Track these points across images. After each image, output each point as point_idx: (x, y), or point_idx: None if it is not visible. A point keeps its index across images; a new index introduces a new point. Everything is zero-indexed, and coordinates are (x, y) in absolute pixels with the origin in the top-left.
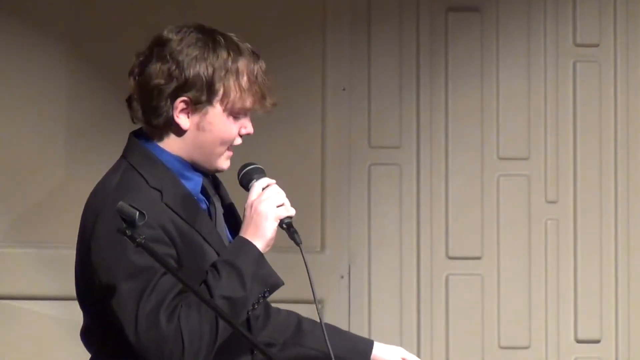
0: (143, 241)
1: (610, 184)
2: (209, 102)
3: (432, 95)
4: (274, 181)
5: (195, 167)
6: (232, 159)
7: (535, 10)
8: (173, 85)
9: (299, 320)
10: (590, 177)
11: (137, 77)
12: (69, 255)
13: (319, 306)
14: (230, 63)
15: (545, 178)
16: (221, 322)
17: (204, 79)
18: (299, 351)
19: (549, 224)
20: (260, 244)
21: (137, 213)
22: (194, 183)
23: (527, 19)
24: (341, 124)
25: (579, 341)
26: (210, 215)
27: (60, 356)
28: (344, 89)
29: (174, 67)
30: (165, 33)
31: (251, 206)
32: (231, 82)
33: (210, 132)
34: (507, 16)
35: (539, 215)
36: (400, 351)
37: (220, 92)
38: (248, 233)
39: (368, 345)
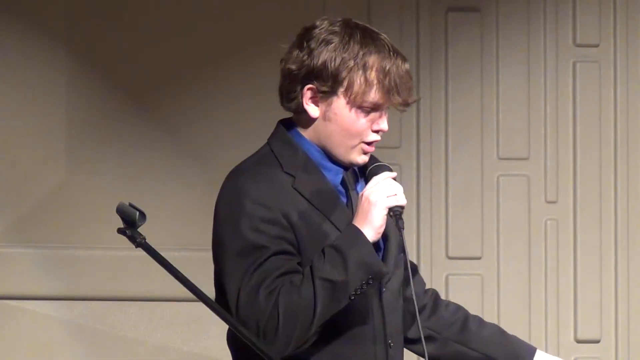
0: (143, 241)
1: (610, 184)
2: (334, 92)
3: (432, 95)
4: (394, 174)
5: (332, 158)
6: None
7: (535, 10)
8: (303, 72)
9: (466, 317)
10: (590, 178)
11: (281, 62)
12: (69, 255)
13: (415, 299)
14: (360, 57)
15: (545, 178)
16: (320, 308)
17: (330, 68)
18: (459, 350)
19: (548, 224)
20: (368, 231)
21: (138, 213)
22: (333, 174)
23: (527, 19)
24: None
25: (579, 341)
26: (347, 206)
27: (60, 356)
28: None
29: (306, 55)
30: (312, 24)
31: (362, 196)
32: (357, 75)
33: (335, 122)
34: (507, 16)
35: (539, 215)
36: None
37: (345, 83)
38: (357, 221)
39: (530, 351)
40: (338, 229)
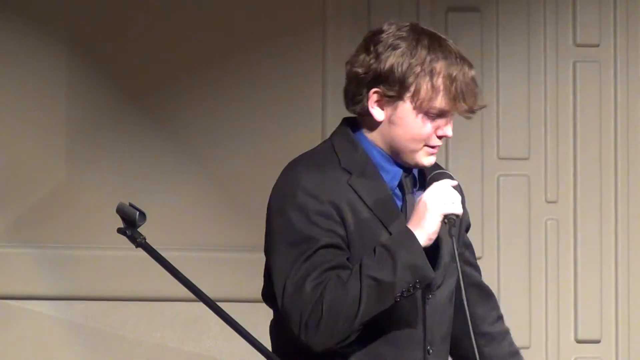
0: (143, 241)
1: (610, 184)
2: (400, 97)
3: None
4: (455, 182)
5: (397, 160)
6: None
7: (535, 10)
8: (369, 75)
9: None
10: (590, 177)
11: (347, 65)
12: (69, 255)
13: (465, 299)
14: (427, 62)
15: (545, 178)
16: (364, 306)
17: (396, 73)
18: None
19: (549, 224)
20: (421, 235)
21: (138, 213)
22: (391, 176)
23: (527, 19)
24: None
25: (579, 341)
26: (401, 210)
27: (60, 356)
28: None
29: (373, 59)
30: (379, 28)
31: (420, 200)
32: (424, 80)
33: (400, 126)
34: (507, 16)
35: (539, 215)
36: None
37: (412, 88)
38: (411, 224)
39: None
40: (388, 230)
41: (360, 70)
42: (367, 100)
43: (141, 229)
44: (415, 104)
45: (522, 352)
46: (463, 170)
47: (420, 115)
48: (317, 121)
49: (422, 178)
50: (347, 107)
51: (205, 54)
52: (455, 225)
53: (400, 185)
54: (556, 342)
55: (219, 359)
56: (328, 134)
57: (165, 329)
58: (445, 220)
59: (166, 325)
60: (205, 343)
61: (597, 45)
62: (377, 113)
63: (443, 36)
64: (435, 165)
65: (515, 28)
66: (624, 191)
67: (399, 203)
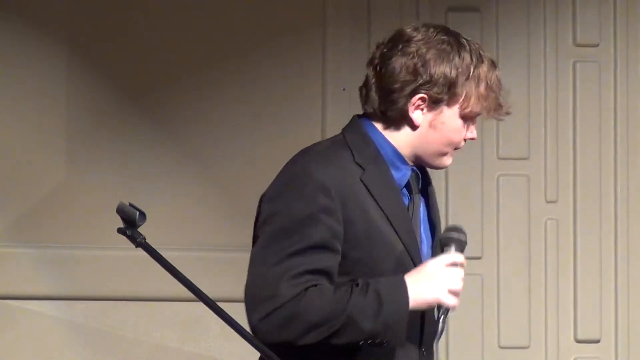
0: (143, 241)
1: (610, 184)
2: (447, 102)
3: None
4: (464, 262)
5: (415, 160)
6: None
7: (535, 10)
8: (418, 81)
9: None
10: (590, 177)
11: (379, 69)
12: (69, 255)
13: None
14: (472, 68)
15: (545, 178)
16: (333, 330)
17: (448, 79)
18: None
19: (548, 224)
20: (413, 297)
21: (138, 213)
22: (402, 174)
23: (527, 19)
24: (341, 124)
25: (578, 341)
26: (408, 209)
27: (60, 356)
28: (343, 89)
29: (420, 64)
30: (409, 30)
31: (432, 266)
32: (472, 86)
33: (440, 131)
34: (507, 16)
35: (539, 215)
36: None
37: (461, 94)
38: (412, 282)
39: None
40: (395, 231)
41: (406, 76)
42: (409, 104)
43: (141, 229)
44: (462, 109)
45: (522, 352)
46: (463, 170)
47: (459, 120)
48: (317, 121)
49: (424, 178)
50: (383, 112)
51: (205, 54)
52: (444, 321)
53: (408, 184)
54: (556, 342)
55: (219, 359)
56: (328, 134)
57: (165, 329)
58: (438, 312)
59: (166, 325)
60: (205, 343)
61: (597, 45)
62: (417, 118)
63: (471, 39)
64: (455, 228)
65: (515, 28)
66: (623, 191)
67: (406, 202)
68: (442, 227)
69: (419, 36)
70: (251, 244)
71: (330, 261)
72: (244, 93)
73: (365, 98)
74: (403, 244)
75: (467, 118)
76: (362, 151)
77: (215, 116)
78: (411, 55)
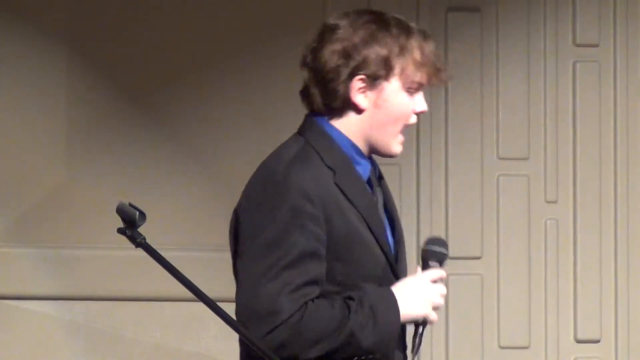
0: (143, 241)
1: (610, 184)
2: (386, 78)
3: (432, 95)
4: (445, 276)
5: (369, 150)
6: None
7: (535, 10)
8: (351, 64)
9: None
10: (590, 177)
11: (312, 64)
12: (69, 255)
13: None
14: (402, 39)
15: (545, 178)
16: (333, 346)
17: (380, 56)
18: None
19: (548, 223)
20: (402, 312)
21: (137, 213)
22: (363, 168)
23: (527, 19)
24: None
25: (578, 341)
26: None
27: (60, 356)
28: None
29: (349, 46)
30: (332, 20)
31: (420, 283)
32: (406, 57)
33: (386, 109)
34: (507, 16)
35: (539, 215)
36: None
37: (396, 67)
38: (401, 297)
39: None
40: (372, 232)
41: (338, 62)
42: (349, 90)
43: (141, 229)
44: (401, 81)
45: (522, 352)
46: (463, 170)
47: (404, 94)
48: None
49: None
50: (326, 106)
51: (205, 54)
52: (421, 340)
53: (369, 179)
54: (556, 342)
55: (219, 359)
56: None
57: (165, 329)
58: (418, 326)
59: (166, 325)
60: (205, 343)
61: (597, 46)
62: (361, 101)
63: (402, 19)
64: (437, 239)
65: (515, 28)
66: (623, 191)
67: (372, 195)
68: (399, 216)
69: (344, 22)
70: (230, 251)
71: (320, 268)
72: (244, 93)
73: (307, 99)
74: (379, 245)
75: (411, 90)
76: (328, 153)
77: (216, 116)
78: (339, 41)
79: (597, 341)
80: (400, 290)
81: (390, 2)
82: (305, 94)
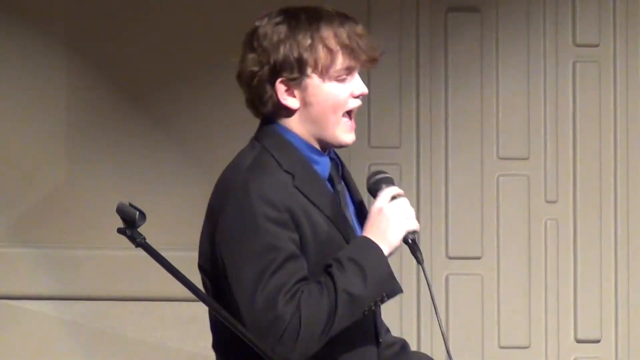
0: (143, 241)
1: (610, 184)
2: (304, 74)
3: (432, 95)
4: (402, 192)
5: (322, 146)
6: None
7: (535, 11)
8: (266, 71)
9: (405, 344)
10: (590, 177)
11: (239, 75)
12: (69, 255)
13: (440, 321)
14: (313, 32)
15: (545, 178)
16: (338, 320)
17: (291, 56)
18: None
19: (548, 224)
20: (385, 248)
21: (137, 213)
22: (322, 167)
23: (527, 19)
24: None
25: (578, 341)
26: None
27: (60, 356)
28: None
29: (262, 54)
30: (251, 29)
31: (380, 211)
32: (318, 49)
33: (317, 103)
34: (507, 16)
35: (539, 215)
36: None
37: (311, 61)
38: (374, 235)
39: None
40: (334, 224)
41: (256, 69)
42: (276, 94)
43: (141, 229)
44: (320, 73)
45: (522, 352)
46: (463, 170)
47: (329, 83)
48: None
49: (342, 165)
50: (257, 114)
51: (205, 55)
52: (418, 248)
53: (329, 176)
54: (556, 342)
55: None
56: None
57: (165, 329)
58: (409, 240)
59: (166, 325)
60: (205, 343)
61: (597, 46)
62: (291, 101)
63: (319, 6)
64: (376, 173)
65: (515, 28)
66: (623, 191)
67: (333, 193)
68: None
69: (260, 28)
70: (210, 250)
71: (305, 266)
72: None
73: (252, 109)
74: (340, 233)
75: (341, 77)
76: (285, 157)
77: (216, 116)
78: (254, 50)
79: (597, 341)
80: (371, 229)
81: (390, 2)
82: (247, 103)
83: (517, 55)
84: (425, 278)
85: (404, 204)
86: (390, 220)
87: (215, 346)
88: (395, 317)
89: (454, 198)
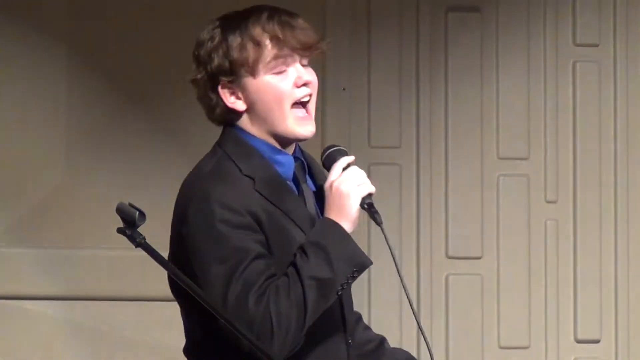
0: (143, 241)
1: (610, 184)
2: (239, 75)
3: (432, 95)
4: (352, 158)
5: (282, 143)
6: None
7: (535, 11)
8: (205, 77)
9: (383, 340)
10: (590, 177)
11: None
12: (69, 255)
13: (412, 302)
14: (241, 31)
15: (545, 178)
16: (311, 308)
17: (222, 60)
18: None
19: (548, 224)
20: (346, 224)
21: (137, 213)
22: (286, 168)
23: (527, 19)
24: (341, 124)
25: (578, 341)
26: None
27: (60, 356)
28: (344, 89)
29: (200, 63)
30: (198, 36)
31: (332, 186)
32: (247, 46)
33: (259, 100)
34: (507, 16)
35: (539, 216)
36: None
37: (241, 60)
38: (332, 214)
39: None
40: (297, 225)
41: (198, 77)
42: (222, 99)
43: (141, 229)
44: (254, 69)
45: (522, 352)
46: (463, 170)
47: (267, 77)
48: (317, 121)
49: (309, 165)
50: (216, 122)
51: None
52: (376, 210)
53: (294, 176)
54: (556, 342)
55: None
56: (328, 134)
57: (165, 329)
58: (365, 206)
59: (166, 325)
60: None
61: (597, 45)
62: (238, 104)
63: (259, 5)
64: (329, 149)
65: (515, 28)
66: (623, 191)
67: (295, 191)
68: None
69: (200, 39)
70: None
71: (272, 264)
72: None
73: (210, 119)
74: (304, 233)
75: (279, 69)
76: (245, 161)
77: None
78: (195, 58)
79: (597, 341)
80: (328, 209)
81: (390, 2)
82: (206, 115)
83: (517, 55)
84: (386, 240)
85: (354, 171)
86: (342, 193)
87: (187, 350)
88: (395, 317)
89: (454, 198)
